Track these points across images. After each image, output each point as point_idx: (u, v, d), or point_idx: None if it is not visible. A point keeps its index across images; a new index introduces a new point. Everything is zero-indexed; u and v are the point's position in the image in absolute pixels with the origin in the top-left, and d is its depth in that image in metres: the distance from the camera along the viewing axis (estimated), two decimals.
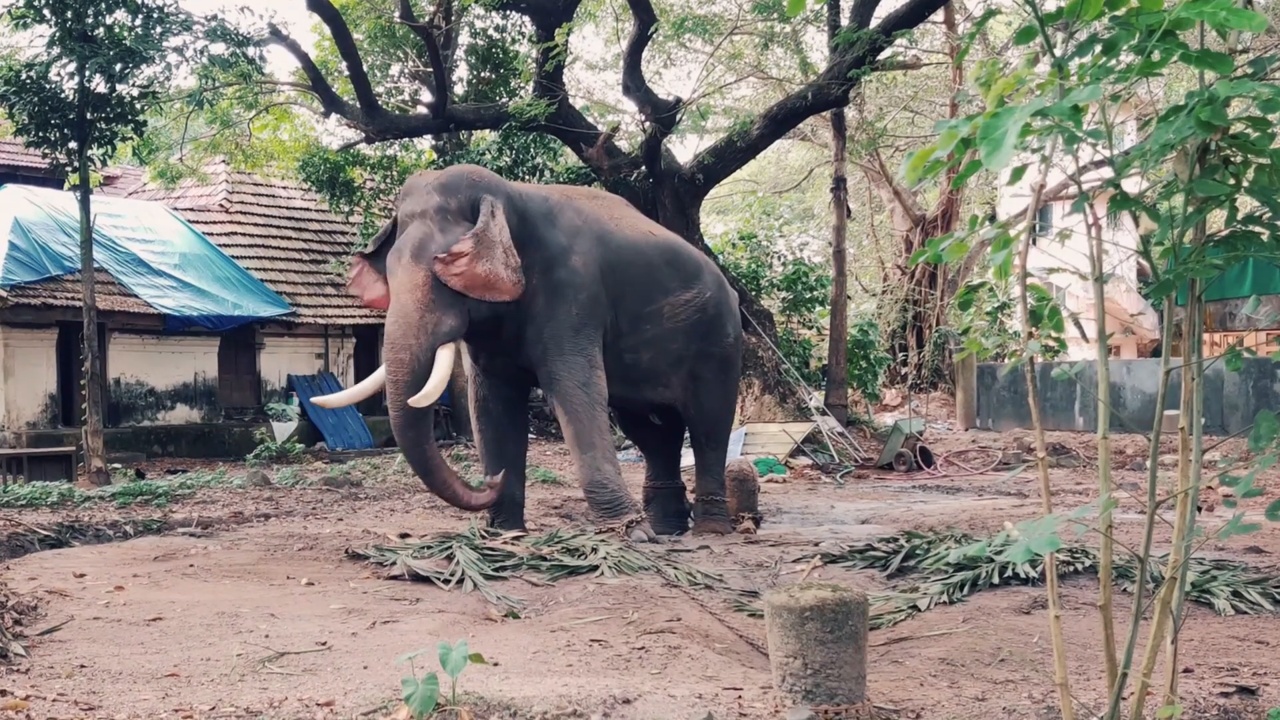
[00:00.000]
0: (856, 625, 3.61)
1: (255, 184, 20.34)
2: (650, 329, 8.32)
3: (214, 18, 12.89)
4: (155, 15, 12.25)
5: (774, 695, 3.72)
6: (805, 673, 3.57)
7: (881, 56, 15.62)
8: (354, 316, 19.10)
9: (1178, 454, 2.69)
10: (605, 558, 6.38)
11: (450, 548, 6.58)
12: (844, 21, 16.64)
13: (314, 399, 8.73)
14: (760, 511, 9.28)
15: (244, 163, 19.04)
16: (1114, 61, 2.37)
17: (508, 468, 7.89)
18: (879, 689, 3.98)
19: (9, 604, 5.03)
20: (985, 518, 9.12)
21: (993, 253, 2.66)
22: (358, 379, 19.07)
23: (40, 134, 12.30)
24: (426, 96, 19.06)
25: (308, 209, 20.52)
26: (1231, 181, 2.50)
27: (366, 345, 19.66)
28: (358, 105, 17.23)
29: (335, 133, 21.18)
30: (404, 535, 7.56)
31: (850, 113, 21.12)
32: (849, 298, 20.44)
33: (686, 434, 9.30)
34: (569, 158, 18.86)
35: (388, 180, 19.42)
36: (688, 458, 9.71)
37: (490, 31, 19.22)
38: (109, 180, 19.75)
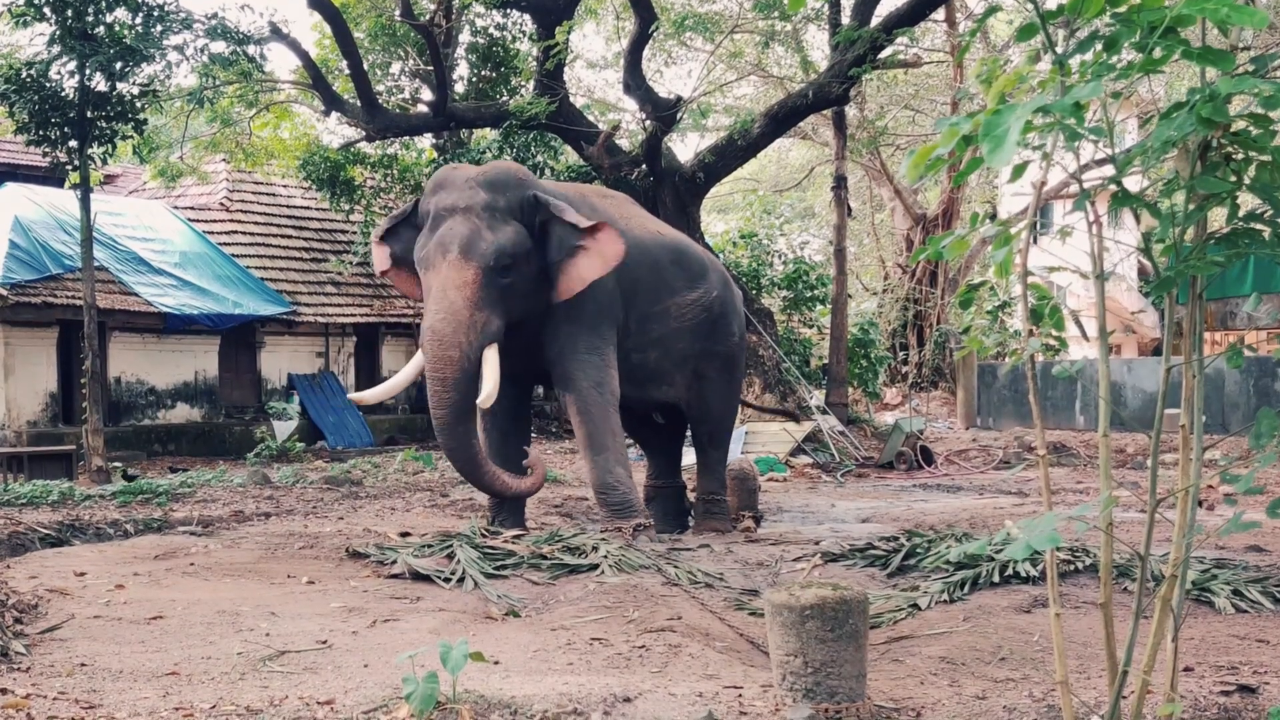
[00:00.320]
0: (857, 624, 3.61)
1: (256, 182, 20.34)
2: (658, 328, 8.33)
3: (214, 16, 12.89)
4: (155, 13, 12.25)
5: (774, 693, 3.71)
6: (806, 671, 3.57)
7: (882, 55, 15.61)
8: (354, 315, 19.11)
9: (1179, 452, 2.69)
10: (606, 556, 6.38)
11: (451, 546, 6.58)
12: (845, 20, 16.63)
13: (351, 395, 8.64)
14: (761, 510, 9.28)
15: (244, 161, 19.03)
16: (1115, 59, 2.37)
17: (510, 467, 7.88)
18: (879, 687, 3.98)
19: (10, 602, 5.03)
20: (986, 516, 9.12)
21: (994, 251, 2.66)
22: (358, 378, 19.09)
23: (40, 132, 12.30)
24: (427, 95, 19.06)
25: (308, 207, 20.52)
26: (1233, 179, 2.49)
27: (367, 344, 19.67)
28: (358, 104, 17.23)
29: (336, 131, 21.21)
30: (404, 534, 7.56)
31: (851, 111, 21.12)
32: (850, 296, 20.43)
33: (688, 433, 9.31)
34: (570, 156, 18.85)
35: (388, 179, 19.42)
36: (688, 456, 9.71)
37: (491, 30, 19.23)
38: (109, 179, 19.76)
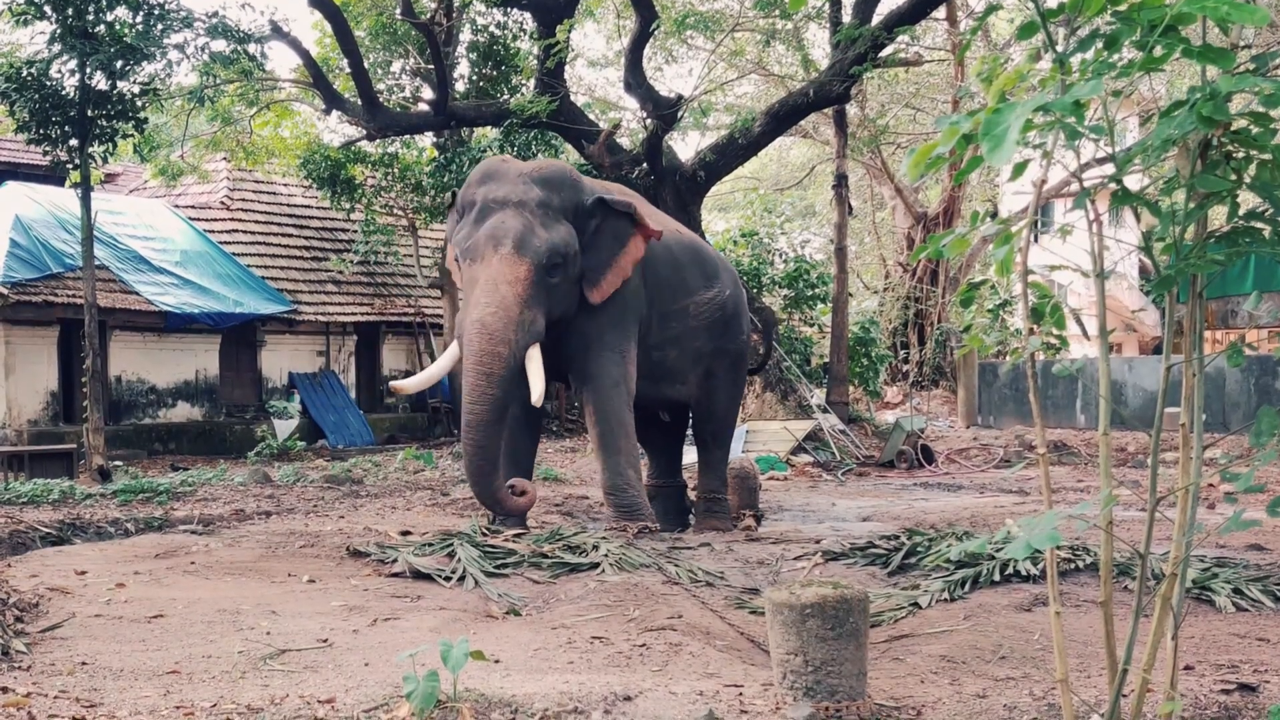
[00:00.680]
0: (857, 622, 3.61)
1: (256, 181, 20.35)
2: (677, 326, 8.37)
3: (215, 15, 12.90)
4: (156, 12, 12.25)
5: (775, 692, 3.71)
6: (806, 670, 3.57)
7: (883, 53, 15.60)
8: (355, 314, 19.12)
9: (1179, 451, 2.69)
10: (606, 555, 6.38)
11: (451, 545, 6.58)
12: (846, 18, 16.61)
13: (393, 384, 8.65)
14: (761, 509, 9.28)
15: (245, 160, 19.04)
16: (1116, 57, 2.37)
17: (517, 465, 7.88)
18: (880, 686, 3.98)
19: (10, 601, 5.04)
20: (986, 515, 9.12)
21: (994, 249, 2.65)
22: (359, 377, 19.11)
23: (41, 131, 12.31)
24: (428, 93, 19.04)
25: (309, 206, 20.52)
26: (1233, 177, 2.49)
27: (368, 343, 19.67)
28: (359, 102, 17.22)
29: (336, 130, 21.19)
30: (405, 533, 7.56)
31: (852, 110, 21.11)
32: (850, 295, 20.43)
33: (688, 431, 9.33)
34: (570, 155, 18.83)
35: (389, 177, 19.42)
36: (688, 455, 9.72)
37: (491, 28, 19.21)
38: (110, 177, 19.77)
